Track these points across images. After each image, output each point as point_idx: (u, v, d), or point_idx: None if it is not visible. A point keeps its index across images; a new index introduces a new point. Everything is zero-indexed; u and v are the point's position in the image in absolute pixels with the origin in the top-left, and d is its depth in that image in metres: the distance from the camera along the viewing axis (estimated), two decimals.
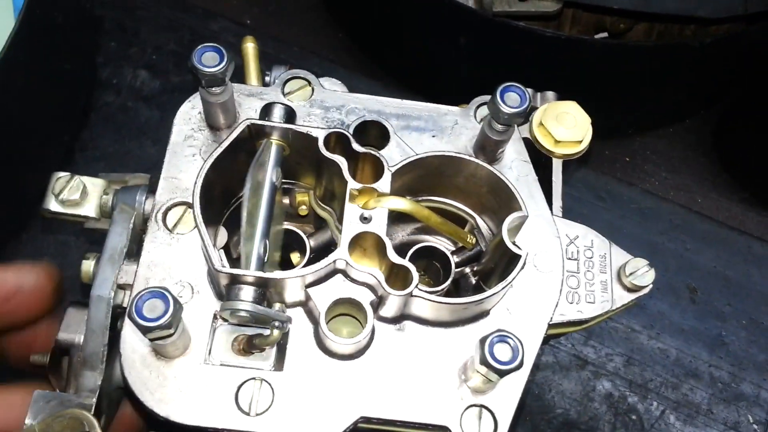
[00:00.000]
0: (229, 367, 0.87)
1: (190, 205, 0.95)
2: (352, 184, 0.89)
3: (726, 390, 1.42)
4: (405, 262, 0.86)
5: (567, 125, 1.08)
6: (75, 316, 0.99)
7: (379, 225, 0.88)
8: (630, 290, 0.98)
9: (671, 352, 1.48)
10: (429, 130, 1.03)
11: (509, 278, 0.88)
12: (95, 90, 1.66)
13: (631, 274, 0.97)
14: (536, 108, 1.16)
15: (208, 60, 0.88)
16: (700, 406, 1.43)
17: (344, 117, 1.03)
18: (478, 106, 1.07)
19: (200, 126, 1.01)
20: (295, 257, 1.05)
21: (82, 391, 0.94)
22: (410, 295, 0.85)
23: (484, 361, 0.79)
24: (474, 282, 1.05)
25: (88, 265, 0.98)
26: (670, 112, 1.91)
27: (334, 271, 0.88)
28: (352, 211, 0.89)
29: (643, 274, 0.98)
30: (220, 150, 0.89)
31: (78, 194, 1.01)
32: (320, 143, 0.91)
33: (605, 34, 1.80)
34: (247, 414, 0.85)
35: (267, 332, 0.88)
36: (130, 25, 1.73)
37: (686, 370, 1.46)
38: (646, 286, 0.98)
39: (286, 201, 1.06)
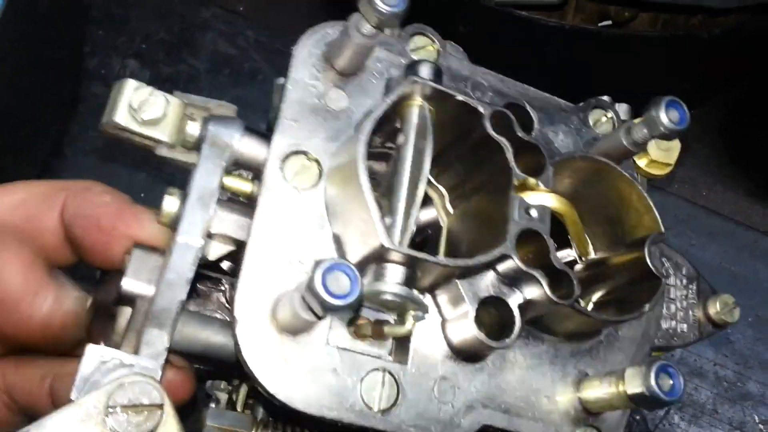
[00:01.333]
0: (352, 353, 0.76)
1: (311, 158, 0.82)
2: (517, 173, 0.81)
3: (731, 389, 1.45)
4: (567, 269, 0.79)
5: (661, 147, 1.07)
6: (145, 261, 0.82)
7: (543, 223, 0.80)
8: (715, 325, 1.00)
9: (675, 351, 1.49)
10: (555, 123, 0.97)
11: (652, 302, 0.84)
12: (83, 80, 1.55)
13: (721, 309, 0.98)
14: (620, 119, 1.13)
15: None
16: (705, 405, 1.45)
17: (470, 90, 0.94)
18: (592, 108, 1.02)
19: (324, 66, 0.86)
20: None
21: (145, 350, 0.78)
22: (571, 306, 0.79)
23: (649, 388, 0.75)
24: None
25: (172, 204, 0.81)
26: None
27: (492, 265, 0.79)
28: (516, 203, 0.80)
29: (731, 311, 0.99)
30: (380, 111, 0.77)
31: (160, 112, 0.83)
32: (486, 121, 0.81)
33: (609, 23, 1.79)
34: (371, 409, 0.75)
35: (393, 319, 0.78)
36: (118, 13, 1.59)
37: (691, 369, 1.47)
38: (733, 323, 0.99)
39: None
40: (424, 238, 0.95)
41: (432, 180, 0.92)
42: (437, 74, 0.85)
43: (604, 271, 0.93)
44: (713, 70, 1.78)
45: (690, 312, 0.99)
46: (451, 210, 0.91)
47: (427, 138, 0.80)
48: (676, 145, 1.08)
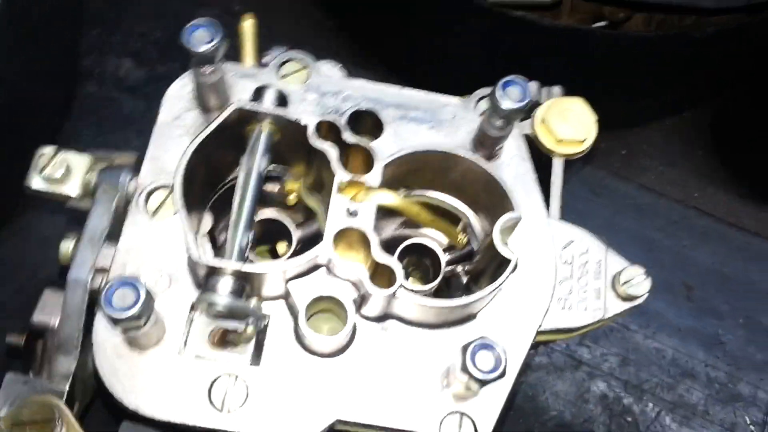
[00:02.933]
0: (203, 360, 0.85)
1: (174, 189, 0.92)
2: (341, 176, 0.86)
3: (723, 390, 1.39)
4: (390, 260, 0.82)
5: (570, 123, 1.04)
6: (51, 298, 0.96)
7: (365, 220, 0.85)
8: (624, 299, 0.95)
9: (667, 351, 1.45)
10: (427, 121, 0.99)
11: (497, 282, 0.84)
12: (77, 80, 1.59)
13: (625, 282, 0.94)
14: (540, 104, 1.12)
15: (199, 38, 0.84)
16: (697, 407, 1.40)
17: (340, 104, 0.99)
18: (479, 99, 1.03)
19: (190, 106, 0.97)
20: (281, 247, 1.02)
21: (55, 376, 0.91)
22: (393, 295, 0.81)
23: (465, 369, 0.76)
24: (465, 282, 1.02)
25: (66, 246, 0.95)
26: (667, 105, 1.86)
27: (317, 266, 0.85)
28: (338, 203, 0.85)
29: (639, 283, 0.94)
30: (205, 133, 0.86)
31: (61, 171, 0.98)
32: (310, 131, 0.87)
33: (604, 24, 1.74)
34: (220, 410, 0.82)
35: (241, 328, 0.85)
36: (113, 12, 1.66)
37: (682, 370, 1.43)
38: (641, 296, 0.94)
39: (276, 189, 1.02)
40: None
41: (309, 193, 0.99)
42: (280, 97, 0.93)
43: (481, 259, 0.94)
44: (706, 71, 1.69)
45: (593, 290, 0.95)
46: None
47: (255, 157, 0.87)
48: (587, 119, 1.06)
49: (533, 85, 1.14)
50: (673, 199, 1.60)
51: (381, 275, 0.83)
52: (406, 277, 1.00)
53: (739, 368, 1.40)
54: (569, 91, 1.13)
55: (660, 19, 1.67)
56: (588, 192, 1.53)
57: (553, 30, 1.55)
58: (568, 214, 1.00)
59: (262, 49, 1.10)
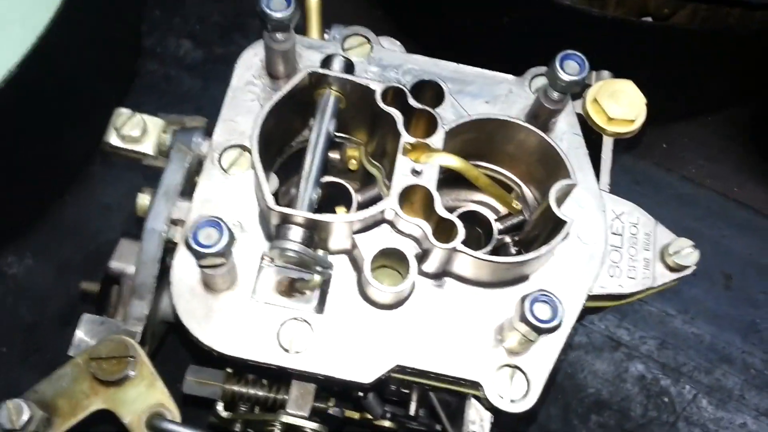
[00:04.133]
0: (272, 306, 0.90)
1: (246, 149, 0.98)
2: (406, 138, 0.91)
3: (759, 377, 1.42)
4: (452, 216, 0.87)
5: (621, 103, 1.09)
6: (127, 247, 1.03)
7: (429, 179, 0.89)
8: (672, 269, 0.99)
9: (705, 337, 1.48)
10: (483, 96, 1.04)
11: (553, 242, 0.89)
12: (140, 58, 1.68)
13: (675, 253, 0.98)
14: (590, 85, 1.16)
15: (276, 4, 0.90)
16: (733, 391, 1.43)
17: (401, 77, 1.04)
18: (533, 77, 1.08)
19: (260, 73, 1.03)
20: (340, 211, 1.07)
21: (130, 319, 0.98)
22: (454, 249, 0.86)
23: (523, 318, 0.80)
24: (514, 252, 1.06)
25: (143, 199, 1.01)
26: (709, 101, 1.89)
27: (382, 221, 0.90)
28: (403, 163, 0.90)
29: (688, 254, 0.98)
30: (279, 95, 0.92)
31: (138, 131, 1.04)
32: (377, 95, 0.93)
33: (649, 19, 1.78)
34: (287, 351, 0.88)
35: (308, 276, 0.91)
36: None
37: (719, 355, 1.46)
38: (689, 266, 0.98)
39: (337, 156, 1.08)
40: None
41: (370, 159, 1.04)
42: (348, 65, 0.98)
43: (534, 227, 0.98)
44: (748, 68, 1.71)
45: (642, 260, 0.99)
46: (388, 183, 1.02)
47: (325, 119, 0.93)
48: (637, 100, 1.10)
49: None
50: (714, 191, 1.62)
51: (442, 232, 0.88)
52: None
53: None
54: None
55: (704, 15, 1.70)
56: (630, 181, 1.57)
57: (601, 20, 1.58)
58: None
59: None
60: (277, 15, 0.90)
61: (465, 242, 1.08)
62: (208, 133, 1.04)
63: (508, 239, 1.07)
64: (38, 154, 1.38)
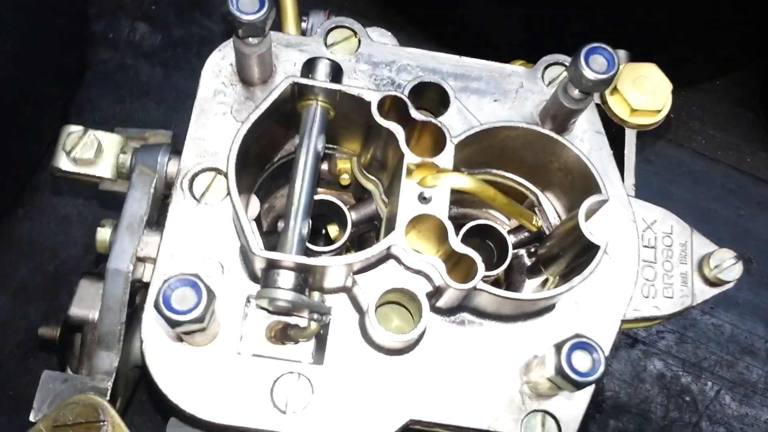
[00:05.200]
0: (262, 359, 0.78)
1: (220, 172, 0.84)
2: (410, 158, 0.77)
3: None
4: (469, 251, 0.74)
5: (645, 91, 0.96)
6: (88, 289, 0.89)
7: (440, 207, 0.76)
8: (713, 284, 0.88)
9: (726, 327, 1.39)
10: (491, 93, 0.91)
11: (586, 272, 0.77)
12: (89, 46, 1.48)
13: (716, 267, 0.86)
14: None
15: (247, 5, 0.75)
16: (757, 385, 1.34)
17: (395, 75, 0.91)
18: (546, 67, 0.94)
19: (231, 80, 0.88)
20: (333, 230, 0.94)
21: (97, 373, 0.85)
22: (473, 289, 0.74)
23: (560, 372, 0.68)
24: (529, 264, 0.94)
25: (104, 234, 0.87)
26: (716, 65, 1.77)
27: (387, 257, 0.77)
28: (408, 189, 0.77)
29: (730, 267, 0.87)
30: (258, 113, 0.77)
31: (92, 152, 0.90)
32: (374, 108, 0.78)
33: None
34: (284, 412, 0.75)
35: (304, 323, 0.78)
36: None
37: (742, 346, 1.37)
38: (732, 281, 0.87)
39: (326, 167, 0.94)
40: (369, 230, 0.94)
41: (365, 172, 0.91)
42: (335, 70, 0.83)
43: (557, 243, 0.86)
44: (755, 28, 1.58)
45: (679, 275, 0.88)
46: (386, 200, 0.89)
47: (312, 138, 0.79)
48: (663, 87, 0.97)
49: (617, 55, 1.05)
50: (729, 166, 1.51)
51: (457, 265, 0.76)
52: None
53: None
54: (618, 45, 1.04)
55: None
56: (641, 160, 1.42)
57: None
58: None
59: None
60: (249, 18, 0.75)
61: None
62: (174, 149, 0.90)
63: (522, 251, 0.95)
64: None
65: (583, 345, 0.69)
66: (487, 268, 0.90)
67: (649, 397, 1.30)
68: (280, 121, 0.84)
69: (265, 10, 0.75)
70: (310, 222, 0.78)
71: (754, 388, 1.32)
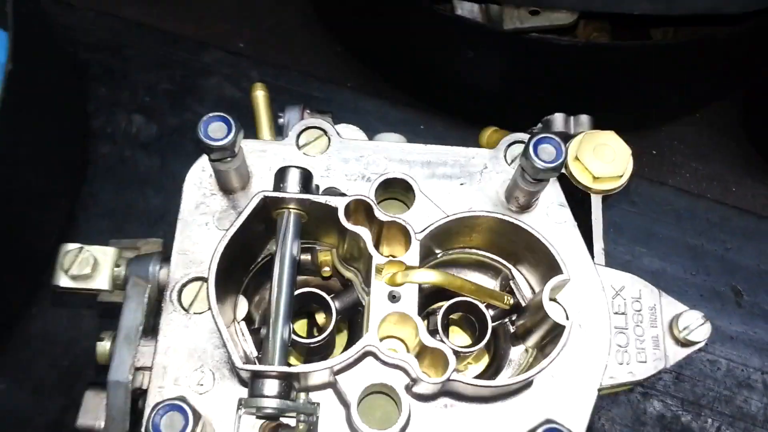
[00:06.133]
0: None
1: (206, 280, 0.89)
2: (377, 259, 0.82)
3: None
4: (440, 345, 0.79)
5: (605, 159, 1.00)
6: (93, 400, 0.94)
7: (409, 304, 0.81)
8: (684, 345, 0.91)
9: (721, 362, 1.41)
10: (457, 177, 0.96)
11: (554, 353, 0.81)
12: (89, 141, 1.57)
13: (684, 328, 0.90)
14: (570, 135, 1.08)
15: (216, 132, 0.81)
16: (756, 417, 1.37)
17: (364, 169, 0.96)
18: (508, 146, 0.99)
19: (212, 190, 0.94)
20: (321, 318, 0.99)
21: None
22: (447, 380, 0.78)
23: None
24: (513, 330, 0.98)
25: (103, 347, 0.93)
26: (695, 100, 1.81)
27: (365, 354, 0.81)
28: (378, 289, 0.82)
29: (698, 328, 0.90)
30: (233, 230, 0.83)
31: (89, 268, 0.95)
32: (340, 214, 0.84)
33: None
34: None
35: (293, 423, 0.83)
36: (118, 67, 1.63)
37: (738, 380, 1.40)
38: (702, 341, 0.90)
39: (308, 258, 0.99)
40: (353, 316, 0.99)
41: (344, 264, 0.96)
42: (305, 177, 0.89)
43: (530, 317, 0.90)
44: (733, 66, 1.62)
45: (651, 339, 0.91)
46: (366, 289, 0.93)
47: (287, 243, 0.84)
48: (622, 153, 1.01)
49: (559, 117, 1.10)
50: (712, 200, 1.54)
51: (432, 357, 0.80)
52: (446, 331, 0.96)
53: None
54: (593, 101, 1.08)
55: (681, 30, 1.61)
56: (624, 202, 1.48)
57: (572, 48, 1.49)
58: (606, 228, 0.98)
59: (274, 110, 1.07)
60: (218, 143, 0.81)
61: (460, 325, 1.01)
62: (165, 257, 0.95)
63: (506, 320, 0.99)
64: None
65: (554, 431, 0.73)
66: (471, 338, 0.95)
67: None
68: (258, 227, 0.90)
69: (232, 134, 0.82)
70: (291, 326, 0.83)
71: (753, 420, 1.34)
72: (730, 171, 1.66)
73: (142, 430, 0.81)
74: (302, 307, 0.99)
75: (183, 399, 0.71)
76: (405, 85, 1.73)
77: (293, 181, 0.87)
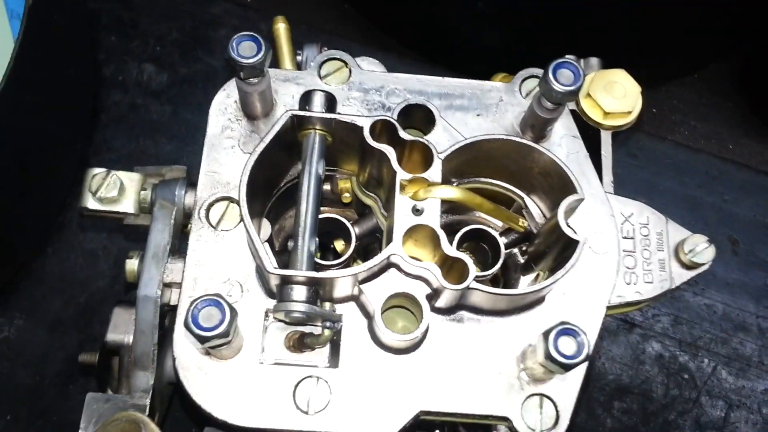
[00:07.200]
0: (283, 366, 0.86)
1: (233, 200, 0.93)
2: (402, 175, 0.86)
3: None
4: (461, 254, 0.83)
5: (616, 95, 1.04)
6: (122, 316, 0.98)
7: (432, 217, 0.85)
8: (689, 268, 0.95)
9: (718, 307, 1.47)
10: (473, 108, 0.99)
11: (568, 266, 0.85)
12: (101, 89, 1.59)
13: (690, 251, 0.94)
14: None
15: (246, 50, 0.84)
16: (751, 358, 1.43)
17: (384, 99, 0.99)
18: (523, 80, 1.02)
19: (237, 116, 0.97)
20: (339, 245, 1.03)
21: (135, 391, 0.93)
22: (467, 288, 0.82)
23: (549, 356, 0.76)
24: (522, 261, 1.03)
25: (132, 264, 0.96)
26: (694, 59, 1.85)
27: (388, 265, 0.85)
28: (402, 203, 0.86)
29: (703, 250, 0.94)
30: (262, 146, 0.86)
31: (116, 191, 0.99)
32: (366, 133, 0.87)
33: None
34: (306, 413, 0.84)
35: (318, 331, 0.87)
36: (128, 17, 1.65)
37: (734, 323, 1.45)
38: (706, 263, 0.95)
39: (328, 187, 1.03)
40: (372, 242, 1.03)
41: (364, 190, 0.99)
42: (329, 100, 0.92)
43: (543, 241, 0.94)
44: (730, 22, 1.66)
45: (657, 262, 0.96)
46: (385, 213, 0.97)
47: (313, 163, 0.88)
48: (632, 90, 1.05)
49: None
50: (711, 154, 1.59)
51: (451, 269, 0.84)
52: None
53: None
54: (592, 51, 1.12)
55: None
56: (625, 155, 1.53)
57: None
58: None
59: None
60: (249, 61, 0.84)
61: (471, 257, 1.05)
62: (190, 182, 0.99)
63: (515, 250, 1.03)
64: (9, 209, 1.32)
65: (568, 330, 0.77)
66: (483, 269, 0.99)
67: (649, 377, 1.38)
68: (283, 150, 0.93)
69: (262, 53, 0.85)
70: (317, 240, 0.87)
71: (748, 361, 1.40)
72: (727, 130, 1.71)
73: (178, 326, 0.84)
74: (321, 234, 1.03)
75: (219, 296, 0.74)
76: (412, 40, 1.76)
77: (318, 102, 0.91)
